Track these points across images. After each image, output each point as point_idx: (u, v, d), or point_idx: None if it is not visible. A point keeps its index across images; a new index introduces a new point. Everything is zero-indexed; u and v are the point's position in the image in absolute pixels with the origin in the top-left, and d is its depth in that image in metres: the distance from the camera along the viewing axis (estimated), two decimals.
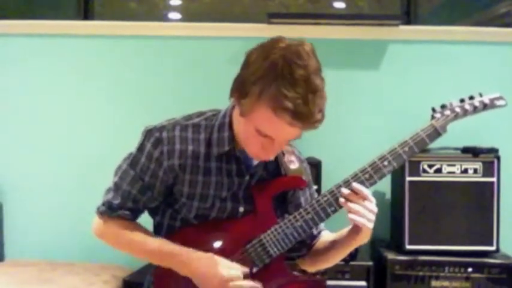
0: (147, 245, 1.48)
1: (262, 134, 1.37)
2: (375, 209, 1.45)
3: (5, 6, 3.21)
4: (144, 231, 1.52)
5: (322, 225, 1.67)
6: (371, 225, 1.44)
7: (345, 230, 1.54)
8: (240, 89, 1.36)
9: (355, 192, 1.44)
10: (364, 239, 1.49)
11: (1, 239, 2.94)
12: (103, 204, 1.52)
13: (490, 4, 3.25)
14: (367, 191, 1.44)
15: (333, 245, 1.57)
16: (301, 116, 1.30)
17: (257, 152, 1.43)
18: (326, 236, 1.65)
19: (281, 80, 1.29)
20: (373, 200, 1.45)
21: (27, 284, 2.45)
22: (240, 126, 1.43)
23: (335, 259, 1.59)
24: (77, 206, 2.83)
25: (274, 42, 1.36)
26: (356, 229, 1.48)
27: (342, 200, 1.44)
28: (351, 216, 1.43)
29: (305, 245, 1.64)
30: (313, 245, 1.65)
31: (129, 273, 2.55)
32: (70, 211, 2.91)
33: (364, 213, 1.42)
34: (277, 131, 1.35)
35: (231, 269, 1.43)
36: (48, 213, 2.95)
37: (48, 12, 3.27)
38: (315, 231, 1.64)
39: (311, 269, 1.68)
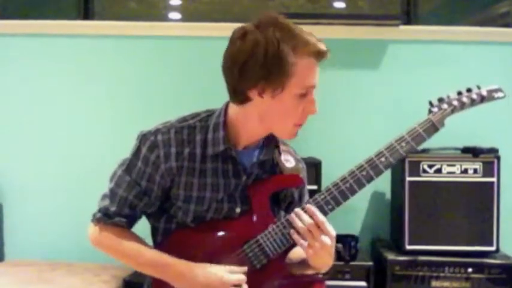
0: (142, 257, 1.47)
1: (304, 91, 1.39)
2: (327, 242, 1.40)
3: (5, 6, 3.21)
4: (140, 241, 1.50)
5: None
6: (311, 252, 1.40)
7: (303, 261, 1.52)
8: (262, 71, 1.36)
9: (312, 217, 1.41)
10: (319, 267, 1.46)
11: (1, 239, 2.94)
12: (99, 210, 1.50)
13: (490, 4, 3.25)
14: (322, 219, 1.41)
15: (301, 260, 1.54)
16: (319, 45, 1.39)
17: (299, 120, 1.44)
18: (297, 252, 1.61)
19: (287, 33, 1.37)
20: (331, 232, 1.41)
21: (27, 284, 2.45)
22: (271, 109, 1.42)
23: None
24: (77, 206, 2.82)
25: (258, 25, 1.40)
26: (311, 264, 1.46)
27: (293, 227, 1.43)
28: (301, 243, 1.41)
29: None
30: None
31: (129, 273, 2.56)
32: (70, 211, 2.90)
33: (314, 244, 1.40)
34: (314, 72, 1.40)
35: (230, 272, 1.43)
36: (48, 214, 2.94)
37: (48, 12, 3.27)
38: None
39: None
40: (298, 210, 1.44)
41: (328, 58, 1.41)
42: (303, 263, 1.52)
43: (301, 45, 1.37)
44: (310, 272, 1.51)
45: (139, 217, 1.54)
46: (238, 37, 1.41)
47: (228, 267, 1.44)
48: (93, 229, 1.51)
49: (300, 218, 1.42)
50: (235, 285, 1.42)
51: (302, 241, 1.42)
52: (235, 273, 1.43)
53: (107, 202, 1.50)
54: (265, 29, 1.38)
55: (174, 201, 1.49)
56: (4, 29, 2.99)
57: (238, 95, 1.43)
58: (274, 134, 1.53)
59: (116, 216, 1.49)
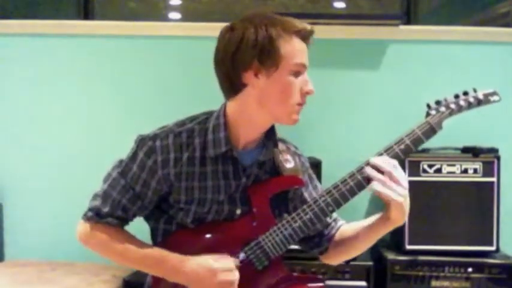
0: (136, 253, 1.47)
1: (297, 69, 1.43)
2: (405, 184, 1.41)
3: (5, 6, 3.21)
4: (133, 238, 1.50)
5: (335, 214, 1.64)
6: (401, 199, 1.40)
7: (374, 216, 1.53)
8: (255, 51, 1.40)
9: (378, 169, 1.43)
10: (397, 218, 1.45)
11: (1, 239, 2.94)
12: (90, 210, 1.50)
13: (490, 4, 3.25)
14: (390, 168, 1.41)
15: (364, 231, 1.54)
16: (305, 25, 1.46)
17: (299, 101, 1.45)
18: (349, 225, 1.63)
19: (273, 19, 1.44)
20: (403, 175, 1.42)
21: (27, 284, 2.45)
22: (269, 90, 1.43)
23: (365, 246, 1.58)
24: (77, 206, 2.82)
25: (244, 21, 1.47)
26: (387, 211, 1.46)
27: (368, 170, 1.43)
28: (375, 187, 1.41)
29: (325, 238, 1.62)
30: (333, 235, 1.63)
31: (129, 273, 2.56)
32: (70, 211, 2.87)
33: (391, 185, 1.40)
34: (304, 51, 1.46)
35: (219, 261, 1.43)
36: (48, 213, 2.95)
37: (48, 12, 3.27)
38: (329, 220, 1.62)
39: (336, 261, 1.66)
40: (373, 160, 1.44)
41: (312, 39, 1.49)
42: (374, 225, 1.52)
43: (288, 26, 1.43)
44: (387, 229, 1.50)
45: (132, 219, 1.53)
46: (227, 31, 1.46)
47: (215, 256, 1.44)
48: (83, 227, 1.51)
49: (379, 170, 1.42)
50: (225, 271, 1.42)
51: (389, 192, 1.40)
52: (223, 261, 1.43)
53: (98, 202, 1.49)
54: (251, 19, 1.44)
55: (174, 204, 1.48)
56: (4, 29, 2.99)
57: (234, 83, 1.44)
58: (274, 126, 1.53)
59: (108, 217, 1.48)
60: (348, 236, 1.59)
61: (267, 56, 1.40)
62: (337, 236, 1.62)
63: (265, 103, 1.45)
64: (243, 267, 1.46)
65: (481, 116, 2.61)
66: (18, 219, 2.95)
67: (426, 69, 2.92)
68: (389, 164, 1.42)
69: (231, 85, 1.45)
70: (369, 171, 1.43)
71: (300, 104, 1.46)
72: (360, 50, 2.94)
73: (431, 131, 1.48)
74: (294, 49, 1.43)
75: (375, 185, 1.41)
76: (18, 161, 2.97)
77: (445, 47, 2.94)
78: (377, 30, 2.92)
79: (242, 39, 1.41)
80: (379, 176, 1.41)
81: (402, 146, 1.47)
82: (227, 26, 1.48)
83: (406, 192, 1.42)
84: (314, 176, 1.68)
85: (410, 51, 2.95)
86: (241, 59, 1.41)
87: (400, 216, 1.45)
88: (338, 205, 1.47)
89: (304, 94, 1.46)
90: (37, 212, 2.95)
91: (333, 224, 1.63)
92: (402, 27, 2.95)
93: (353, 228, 1.59)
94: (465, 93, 1.53)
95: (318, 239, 1.62)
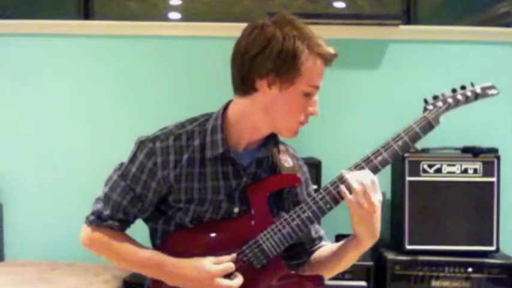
0: (136, 256, 1.47)
1: (310, 90, 1.42)
2: (376, 202, 1.39)
3: (5, 5, 3.21)
4: (133, 242, 1.50)
5: (322, 232, 1.65)
6: (360, 211, 1.39)
7: (349, 238, 1.52)
8: (275, 64, 1.38)
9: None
10: (362, 234, 1.45)
11: (1, 239, 2.94)
12: (92, 213, 1.50)
13: (490, 4, 3.25)
14: (374, 178, 1.40)
15: (336, 252, 1.54)
16: (330, 49, 1.43)
17: (302, 120, 1.45)
18: (328, 245, 1.62)
19: (303, 33, 1.40)
20: (376, 193, 1.40)
21: (27, 284, 2.45)
22: (277, 102, 1.42)
23: (336, 268, 1.56)
24: (77, 206, 2.81)
25: (270, 25, 1.42)
26: (355, 233, 1.46)
27: (342, 188, 1.42)
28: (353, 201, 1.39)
29: (305, 251, 1.62)
30: (313, 251, 1.63)
31: (129, 273, 2.56)
32: (70, 211, 2.89)
33: (359, 199, 1.38)
34: (322, 74, 1.43)
35: (216, 264, 1.43)
36: (48, 213, 2.95)
37: (48, 12, 3.27)
38: (314, 235, 1.63)
39: None
40: (346, 177, 1.42)
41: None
42: (341, 248, 1.52)
43: (314, 46, 1.40)
44: (355, 249, 1.50)
45: (133, 222, 1.53)
46: (256, 28, 1.42)
47: (214, 258, 1.44)
48: (85, 231, 1.51)
49: (355, 179, 1.40)
50: (224, 275, 1.42)
51: (353, 199, 1.39)
52: (222, 263, 1.43)
53: (100, 206, 1.49)
54: (282, 25, 1.41)
55: (174, 204, 1.48)
56: (4, 29, 2.99)
57: (246, 84, 1.43)
58: (275, 133, 1.53)
59: (109, 219, 1.48)
60: (323, 255, 1.59)
61: (285, 70, 1.38)
62: (316, 253, 1.62)
63: (271, 112, 1.45)
64: (241, 267, 1.46)
65: (481, 116, 2.62)
66: (18, 219, 2.95)
67: (426, 69, 2.92)
68: (363, 181, 1.40)
69: (243, 85, 1.45)
70: (342, 188, 1.42)
71: (302, 123, 1.47)
72: (360, 50, 2.94)
73: (428, 126, 1.47)
74: (313, 70, 1.41)
75: (346, 194, 1.41)
76: (18, 161, 2.97)
77: (445, 47, 2.94)
78: (377, 30, 2.92)
79: (267, 45, 1.38)
80: (349, 196, 1.40)
81: (400, 142, 1.46)
82: (256, 23, 1.43)
83: (371, 207, 1.39)
84: (310, 183, 1.67)
85: (410, 51, 2.95)
86: (259, 64, 1.39)
87: (365, 231, 1.45)
88: (336, 202, 1.47)
89: (308, 114, 1.46)
90: (37, 212, 2.95)
91: (317, 241, 1.64)
92: (402, 27, 2.95)
93: (330, 248, 1.59)
94: (463, 88, 1.52)
95: (298, 249, 1.62)
